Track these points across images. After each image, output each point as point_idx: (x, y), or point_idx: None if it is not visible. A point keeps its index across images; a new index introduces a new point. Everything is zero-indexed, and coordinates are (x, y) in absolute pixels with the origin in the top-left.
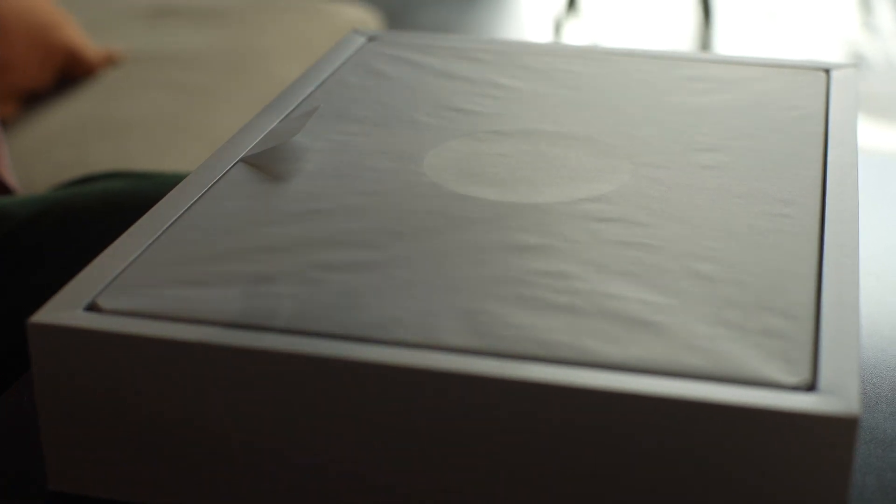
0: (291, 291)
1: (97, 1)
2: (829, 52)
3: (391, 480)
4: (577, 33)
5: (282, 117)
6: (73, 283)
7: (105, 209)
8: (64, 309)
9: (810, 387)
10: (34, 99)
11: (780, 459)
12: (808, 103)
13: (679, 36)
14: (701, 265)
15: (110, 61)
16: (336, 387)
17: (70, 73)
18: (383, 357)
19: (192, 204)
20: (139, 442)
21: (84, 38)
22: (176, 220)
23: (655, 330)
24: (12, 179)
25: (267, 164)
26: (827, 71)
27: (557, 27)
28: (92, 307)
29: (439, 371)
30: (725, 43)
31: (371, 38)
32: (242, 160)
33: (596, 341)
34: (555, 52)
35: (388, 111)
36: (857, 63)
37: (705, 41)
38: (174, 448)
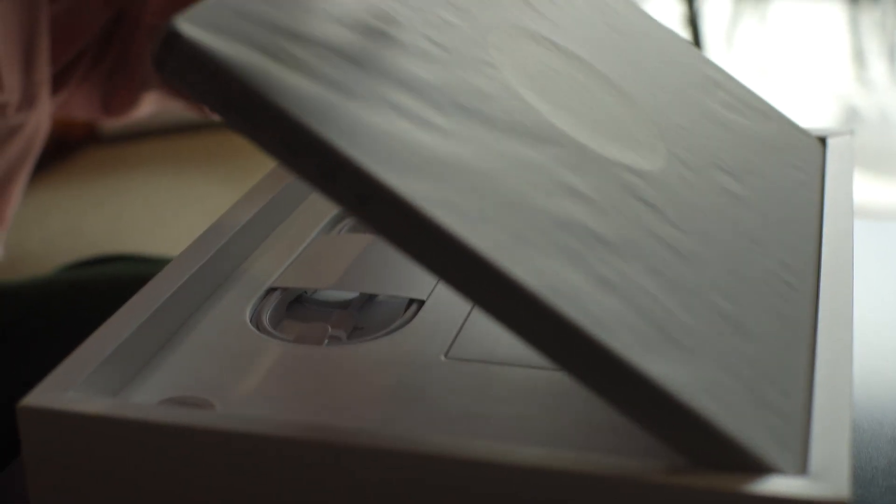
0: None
1: None
2: (822, 107)
3: None
4: None
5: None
6: (64, 364)
7: (115, 294)
8: (54, 391)
9: (801, 470)
10: None
11: None
12: (806, 167)
13: None
14: (721, 302)
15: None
16: (336, 471)
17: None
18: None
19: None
20: None
21: None
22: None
23: None
24: None
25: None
26: (823, 140)
27: None
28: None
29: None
30: None
31: None
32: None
33: None
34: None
35: None
36: (852, 127)
37: None
38: None
